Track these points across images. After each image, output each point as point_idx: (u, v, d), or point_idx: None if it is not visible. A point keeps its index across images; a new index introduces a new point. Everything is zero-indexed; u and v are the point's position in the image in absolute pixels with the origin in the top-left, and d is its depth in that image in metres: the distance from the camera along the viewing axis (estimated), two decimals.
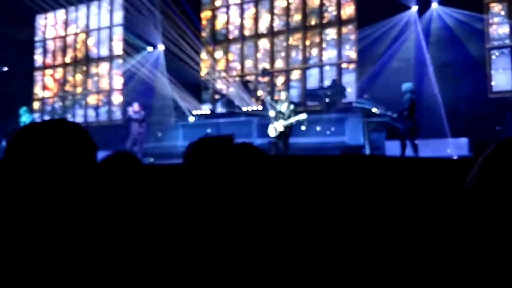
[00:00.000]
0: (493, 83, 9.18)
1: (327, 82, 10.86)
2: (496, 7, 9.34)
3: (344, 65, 10.92)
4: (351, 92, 10.40)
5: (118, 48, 13.52)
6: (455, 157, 6.57)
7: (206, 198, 1.11)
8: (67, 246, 0.91)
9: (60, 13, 14.57)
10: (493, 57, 9.27)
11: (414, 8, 9.80)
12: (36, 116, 13.55)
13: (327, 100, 9.69)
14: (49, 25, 14.85)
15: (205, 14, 12.70)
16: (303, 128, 7.67)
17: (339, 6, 10.99)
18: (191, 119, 11.03)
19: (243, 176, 1.13)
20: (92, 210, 0.98)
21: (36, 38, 14.92)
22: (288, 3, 11.62)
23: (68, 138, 0.96)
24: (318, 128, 8.79)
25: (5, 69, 13.80)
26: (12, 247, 0.88)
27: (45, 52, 14.86)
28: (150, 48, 12.65)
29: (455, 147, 7.87)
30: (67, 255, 0.90)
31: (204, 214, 1.10)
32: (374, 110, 8.35)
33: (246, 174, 1.13)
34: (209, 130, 9.67)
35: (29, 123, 1.00)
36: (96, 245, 0.95)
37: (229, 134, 1.21)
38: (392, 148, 7.52)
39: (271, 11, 11.85)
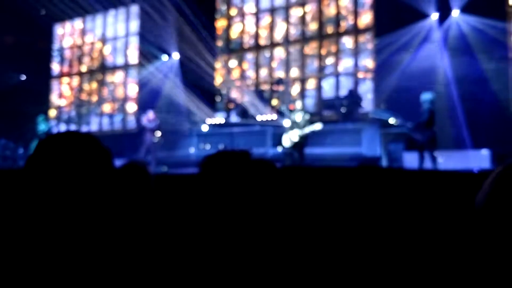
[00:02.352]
0: None
1: (343, 92, 10.70)
2: None
3: (360, 75, 10.76)
4: (367, 102, 10.22)
5: (133, 57, 13.64)
6: (475, 170, 6.34)
7: (220, 213, 1.11)
8: (78, 254, 0.93)
9: (78, 23, 14.80)
10: None
11: (434, 16, 9.59)
12: (53, 124, 13.71)
13: (343, 110, 9.53)
14: (67, 34, 15.08)
15: (221, 23, 12.72)
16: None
17: (356, 14, 10.87)
18: (205, 128, 10.97)
19: (259, 192, 1.13)
20: (105, 219, 1.00)
21: (54, 47, 15.17)
22: (304, 12, 11.55)
23: (81, 149, 1.00)
24: (333, 139, 8.63)
25: (23, 77, 14.05)
26: (31, 251, 0.91)
27: (62, 60, 15.08)
28: (165, 57, 12.71)
29: (476, 159, 7.61)
30: (79, 263, 0.93)
31: (217, 227, 1.10)
32: (391, 120, 8.17)
33: (262, 191, 1.13)
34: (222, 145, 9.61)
35: (46, 137, 1.06)
36: (108, 254, 0.96)
37: (246, 150, 1.21)
38: (411, 159, 7.31)
39: (287, 20, 11.79)
